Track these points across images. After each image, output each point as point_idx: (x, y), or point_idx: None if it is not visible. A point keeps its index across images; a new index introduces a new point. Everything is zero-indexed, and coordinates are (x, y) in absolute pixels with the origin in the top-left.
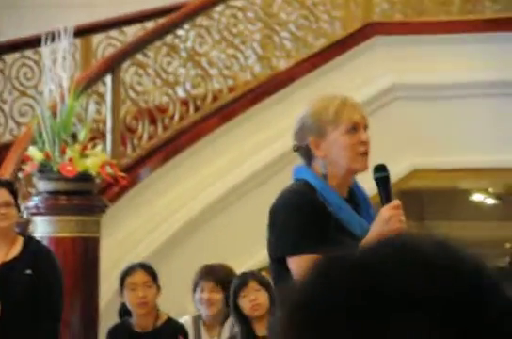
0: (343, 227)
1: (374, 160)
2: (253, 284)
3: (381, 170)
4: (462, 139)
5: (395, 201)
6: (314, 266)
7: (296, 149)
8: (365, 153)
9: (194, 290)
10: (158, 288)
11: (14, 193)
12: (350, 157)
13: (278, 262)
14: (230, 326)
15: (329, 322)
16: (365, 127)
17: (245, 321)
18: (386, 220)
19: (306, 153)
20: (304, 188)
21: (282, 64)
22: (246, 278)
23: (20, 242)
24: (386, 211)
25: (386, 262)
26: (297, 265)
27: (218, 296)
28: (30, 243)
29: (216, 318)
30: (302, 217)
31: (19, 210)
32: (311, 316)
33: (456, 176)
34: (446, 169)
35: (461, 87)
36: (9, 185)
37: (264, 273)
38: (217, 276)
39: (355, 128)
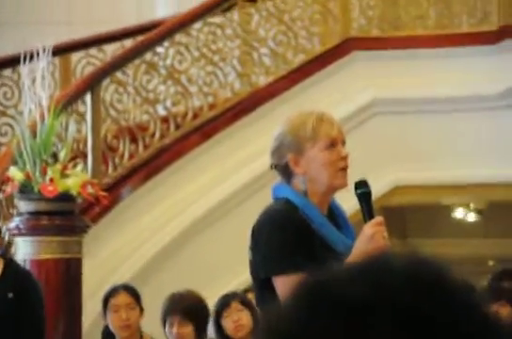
0: (326, 244)
1: (355, 176)
2: (236, 305)
3: (363, 186)
4: (443, 155)
5: (378, 218)
6: (294, 289)
7: (274, 167)
8: (345, 169)
9: (163, 324)
10: (141, 310)
11: None
12: (330, 174)
13: (262, 282)
14: None
15: None
16: (343, 142)
17: None
18: (369, 238)
19: (285, 170)
20: (286, 207)
21: (262, 80)
22: (228, 299)
23: (0, 265)
24: (369, 228)
25: (364, 284)
26: (283, 284)
27: (188, 329)
28: (11, 266)
29: None
30: (286, 235)
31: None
32: None
33: (437, 192)
34: (428, 185)
35: (441, 101)
36: None
37: (249, 295)
38: (185, 308)
39: (333, 144)
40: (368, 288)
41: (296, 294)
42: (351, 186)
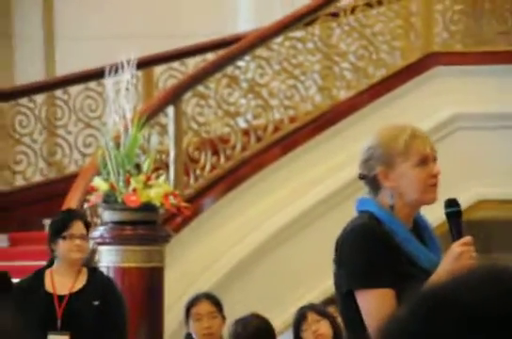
0: (411, 259)
1: (438, 191)
2: (312, 316)
3: (453, 205)
4: None
5: (467, 238)
6: (414, 299)
7: (362, 177)
8: (435, 186)
9: None
10: (223, 318)
11: (87, 226)
12: (421, 190)
13: (346, 296)
14: None
15: None
16: (434, 159)
17: None
18: (457, 257)
19: (373, 182)
20: (370, 221)
21: (343, 94)
22: (304, 311)
23: (84, 273)
24: (457, 247)
25: (477, 294)
26: (366, 299)
27: None
28: (95, 274)
29: None
30: (371, 250)
31: (88, 242)
32: None
33: None
34: (510, 200)
35: None
36: (84, 218)
37: (332, 308)
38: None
39: (425, 161)
40: (483, 297)
41: (415, 303)
42: (441, 200)
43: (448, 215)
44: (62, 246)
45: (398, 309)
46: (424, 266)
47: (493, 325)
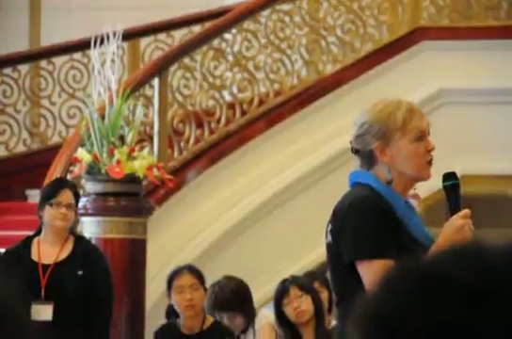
0: (408, 233)
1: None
2: (294, 291)
3: (451, 178)
4: (511, 145)
5: (466, 211)
6: (393, 277)
7: (356, 152)
8: (431, 162)
9: (213, 316)
10: (205, 291)
11: (76, 195)
12: (417, 166)
13: (344, 267)
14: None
15: (429, 336)
16: (429, 134)
17: (290, 326)
18: (458, 229)
19: (368, 157)
20: (372, 193)
21: (329, 69)
22: (286, 285)
23: (71, 242)
24: (458, 220)
25: (472, 269)
26: (370, 270)
27: (238, 319)
28: (81, 243)
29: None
30: (375, 221)
31: (76, 213)
32: (406, 331)
33: (505, 183)
34: (495, 175)
35: (510, 92)
36: (74, 188)
37: (316, 283)
38: (230, 304)
39: (422, 136)
40: (472, 273)
41: (398, 278)
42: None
43: (446, 188)
44: (48, 213)
45: (376, 287)
46: (421, 239)
47: (479, 300)
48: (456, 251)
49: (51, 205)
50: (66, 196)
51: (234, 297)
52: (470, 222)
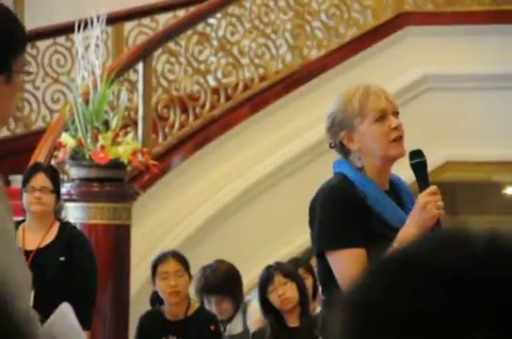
0: (383, 220)
1: (406, 152)
2: (279, 278)
3: (417, 156)
4: (495, 131)
5: (432, 187)
6: (376, 266)
7: (333, 146)
8: (399, 139)
9: (200, 299)
10: (190, 277)
11: (54, 179)
12: (384, 145)
13: (320, 258)
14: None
15: (415, 324)
16: (395, 113)
17: (275, 313)
18: (422, 207)
19: (341, 148)
20: (342, 182)
21: (314, 54)
22: (271, 272)
23: (56, 227)
24: (423, 197)
25: (451, 255)
26: (337, 259)
27: (226, 304)
28: (65, 229)
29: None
30: (340, 211)
31: (59, 197)
32: (392, 319)
33: (488, 169)
34: (479, 162)
35: (495, 78)
36: (50, 171)
37: (301, 270)
38: (220, 287)
39: (383, 116)
40: (456, 258)
41: (381, 266)
42: (404, 160)
43: (413, 166)
44: (25, 198)
45: (359, 275)
46: (397, 225)
47: (461, 287)
48: (439, 238)
49: (26, 191)
50: (39, 180)
51: (226, 280)
52: (437, 199)
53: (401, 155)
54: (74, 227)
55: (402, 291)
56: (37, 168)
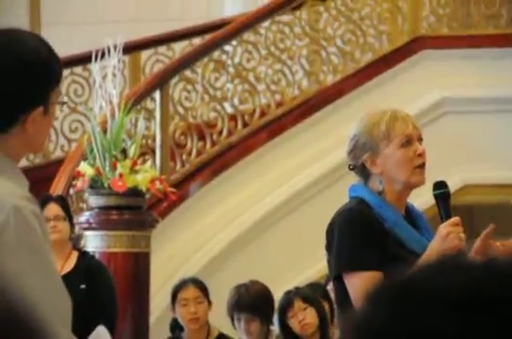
0: (401, 243)
1: (425, 175)
2: (299, 303)
3: (441, 187)
4: None
5: (454, 218)
6: (377, 288)
7: (352, 168)
8: (422, 166)
9: (231, 317)
10: (209, 303)
11: (65, 208)
12: (407, 171)
13: (338, 280)
14: None
15: None
16: (419, 139)
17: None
18: (444, 237)
19: (362, 171)
20: (359, 205)
21: (330, 79)
22: (290, 297)
23: (75, 256)
24: (444, 228)
25: (450, 279)
26: (353, 282)
27: (255, 324)
28: (84, 257)
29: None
30: (358, 234)
31: (72, 225)
32: None
33: (507, 192)
34: (497, 185)
35: None
36: (60, 200)
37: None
38: (251, 305)
39: (409, 141)
40: (454, 283)
41: (384, 292)
42: (428, 184)
43: (436, 196)
44: None
45: (363, 301)
46: (415, 249)
47: (459, 310)
48: (437, 264)
49: None
50: (51, 210)
51: (259, 299)
52: (459, 230)
53: (422, 183)
54: (93, 256)
55: (404, 317)
56: (47, 199)
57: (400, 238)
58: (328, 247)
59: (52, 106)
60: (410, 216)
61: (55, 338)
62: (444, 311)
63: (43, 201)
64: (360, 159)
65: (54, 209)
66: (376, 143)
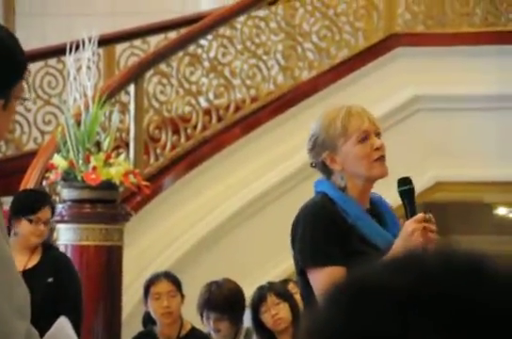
0: (363, 238)
1: (396, 172)
2: (272, 298)
3: (406, 183)
4: (486, 152)
5: (419, 215)
6: (331, 288)
7: (314, 165)
8: (381, 158)
9: (200, 314)
10: (182, 297)
11: (53, 211)
12: (366, 166)
13: (302, 275)
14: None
15: None
16: (377, 133)
17: (268, 333)
18: (409, 234)
19: (323, 168)
20: (322, 201)
21: (305, 75)
22: (263, 292)
23: (39, 250)
24: (409, 225)
25: (403, 276)
26: (316, 277)
27: (224, 323)
28: (49, 251)
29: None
30: (320, 229)
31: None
32: None
33: (479, 189)
34: (470, 182)
35: (485, 99)
36: (52, 203)
37: (291, 284)
38: (221, 305)
39: (365, 137)
40: (407, 281)
41: (336, 292)
42: (393, 182)
43: (401, 193)
44: (25, 227)
45: (319, 301)
46: (378, 243)
47: (414, 307)
48: (393, 261)
49: (29, 221)
50: (46, 213)
51: (230, 298)
52: (423, 227)
53: (384, 175)
54: (57, 248)
55: (355, 317)
56: (44, 201)
57: (363, 233)
58: (293, 242)
59: (13, 100)
60: (376, 210)
61: (7, 330)
62: (394, 311)
63: (41, 201)
64: (320, 157)
65: (48, 213)
66: (334, 141)
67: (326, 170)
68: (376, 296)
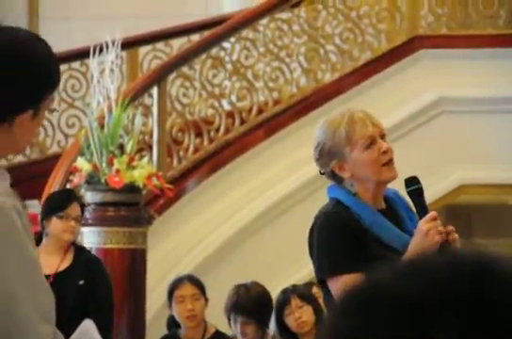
0: (381, 242)
1: (421, 175)
2: (296, 301)
3: (413, 183)
4: (510, 154)
5: (432, 213)
6: (343, 295)
7: (323, 173)
8: (389, 163)
9: (227, 317)
10: (206, 300)
11: (82, 207)
12: (375, 171)
13: (323, 284)
14: None
15: None
16: (382, 136)
17: (292, 336)
18: (424, 234)
19: (332, 177)
20: (336, 207)
21: (328, 77)
22: (287, 295)
23: (72, 252)
24: (423, 224)
25: (412, 282)
26: (336, 286)
27: (251, 326)
28: (82, 253)
29: None
30: (336, 237)
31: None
32: None
33: (504, 192)
34: (494, 185)
35: (510, 101)
36: (81, 200)
37: (315, 288)
38: (249, 308)
39: (371, 142)
40: (417, 285)
41: (347, 299)
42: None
43: (410, 193)
44: (56, 225)
45: (331, 309)
46: (395, 246)
47: (421, 313)
48: (399, 267)
49: (60, 218)
50: (75, 209)
51: (258, 302)
52: (438, 224)
53: (393, 178)
54: (89, 251)
55: (367, 324)
56: (72, 196)
57: (379, 237)
58: (310, 251)
59: (42, 111)
60: (392, 207)
61: (32, 333)
62: (402, 316)
63: (69, 197)
64: (329, 167)
65: (77, 209)
66: (340, 149)
67: (335, 179)
68: (388, 302)
